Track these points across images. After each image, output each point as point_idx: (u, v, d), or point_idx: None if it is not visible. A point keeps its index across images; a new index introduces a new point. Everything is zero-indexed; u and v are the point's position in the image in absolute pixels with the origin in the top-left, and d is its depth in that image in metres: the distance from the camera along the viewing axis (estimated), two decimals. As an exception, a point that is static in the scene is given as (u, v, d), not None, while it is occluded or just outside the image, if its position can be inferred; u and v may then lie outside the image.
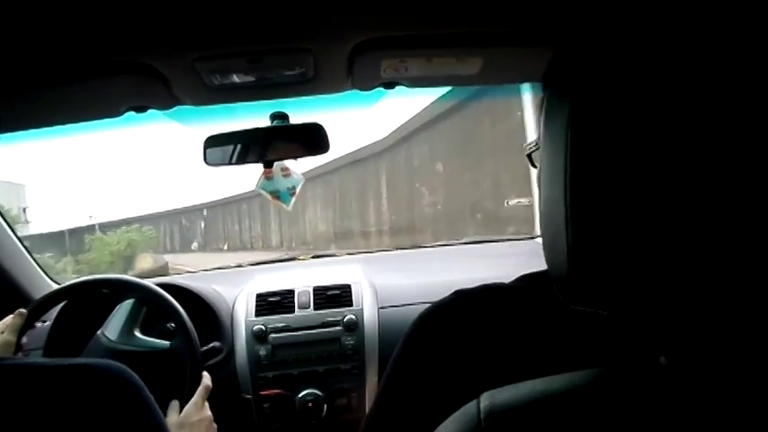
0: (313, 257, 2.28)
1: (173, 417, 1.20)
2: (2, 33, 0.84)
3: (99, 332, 1.34)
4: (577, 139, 0.50)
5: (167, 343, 1.32)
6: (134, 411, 0.65)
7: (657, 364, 0.51)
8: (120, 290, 1.39)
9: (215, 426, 1.24)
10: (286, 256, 2.28)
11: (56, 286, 1.66)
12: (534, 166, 0.71)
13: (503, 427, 0.47)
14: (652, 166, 0.48)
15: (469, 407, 0.50)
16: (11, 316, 1.25)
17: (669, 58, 0.49)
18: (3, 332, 1.22)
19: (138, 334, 1.34)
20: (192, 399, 1.22)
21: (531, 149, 0.70)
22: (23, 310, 1.28)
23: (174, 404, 1.22)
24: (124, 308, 1.37)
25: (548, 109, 0.55)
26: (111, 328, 1.34)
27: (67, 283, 1.44)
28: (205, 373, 1.29)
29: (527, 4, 0.96)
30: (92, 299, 1.46)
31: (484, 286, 0.67)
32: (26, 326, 1.27)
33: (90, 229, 13.83)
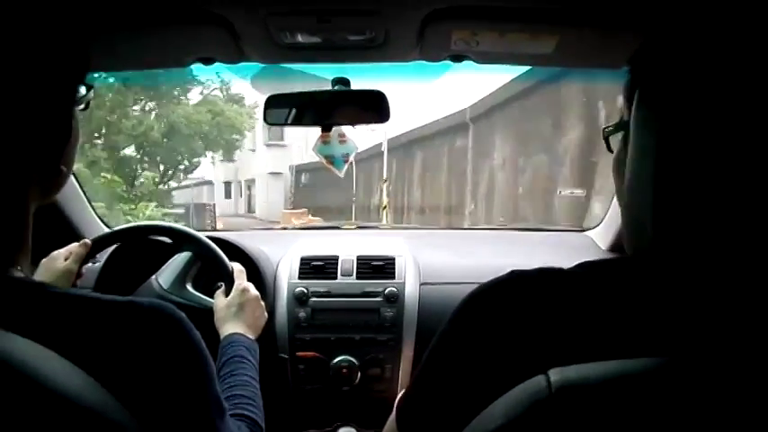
0: (357, 228, 2.29)
1: (220, 300, 1.27)
2: None
3: (153, 277, 1.37)
4: (667, 129, 0.52)
5: (213, 302, 1.35)
6: (184, 350, 0.66)
7: (723, 357, 0.50)
8: (180, 240, 1.41)
9: (263, 303, 1.30)
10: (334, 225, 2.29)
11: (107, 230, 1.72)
12: (610, 150, 0.69)
13: (574, 401, 0.47)
14: (734, 156, 0.49)
15: (537, 380, 0.50)
16: (76, 244, 1.30)
17: (756, 54, 0.50)
18: (67, 259, 1.27)
19: (188, 287, 1.37)
20: (235, 283, 1.29)
21: (610, 132, 0.67)
22: (88, 241, 1.32)
23: (220, 290, 1.30)
24: (180, 259, 1.39)
25: (641, 95, 0.55)
26: (165, 277, 1.37)
27: (133, 224, 1.49)
28: (234, 263, 1.36)
29: None
30: (149, 244, 1.50)
31: (541, 269, 0.65)
32: (89, 256, 1.32)
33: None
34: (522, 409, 0.49)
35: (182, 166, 16.68)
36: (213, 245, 1.39)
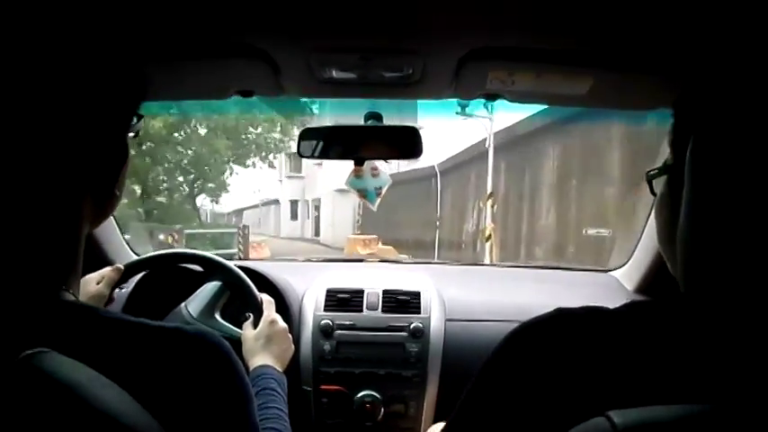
0: (380, 261, 2.29)
1: (249, 331, 1.27)
2: (129, 6, 0.88)
3: (182, 305, 1.38)
4: (727, 175, 0.55)
5: (241, 333, 1.35)
6: (228, 379, 0.67)
7: None
8: (210, 268, 1.43)
9: (290, 336, 1.30)
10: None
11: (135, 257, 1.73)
12: (653, 193, 0.69)
13: None
14: None
15: (598, 421, 0.50)
16: (108, 268, 1.32)
17: None
18: (99, 283, 1.28)
19: (217, 317, 1.37)
20: (263, 314, 1.30)
21: (654, 175, 0.68)
22: (121, 266, 1.34)
23: (249, 321, 1.31)
24: (209, 288, 1.40)
25: (696, 142, 0.57)
26: (194, 305, 1.38)
27: (165, 251, 1.50)
28: (263, 295, 1.37)
29: (648, 32, 0.94)
30: (178, 272, 1.51)
31: (587, 307, 0.65)
32: (120, 281, 1.34)
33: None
34: None
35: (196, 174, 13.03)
36: (243, 274, 1.40)
